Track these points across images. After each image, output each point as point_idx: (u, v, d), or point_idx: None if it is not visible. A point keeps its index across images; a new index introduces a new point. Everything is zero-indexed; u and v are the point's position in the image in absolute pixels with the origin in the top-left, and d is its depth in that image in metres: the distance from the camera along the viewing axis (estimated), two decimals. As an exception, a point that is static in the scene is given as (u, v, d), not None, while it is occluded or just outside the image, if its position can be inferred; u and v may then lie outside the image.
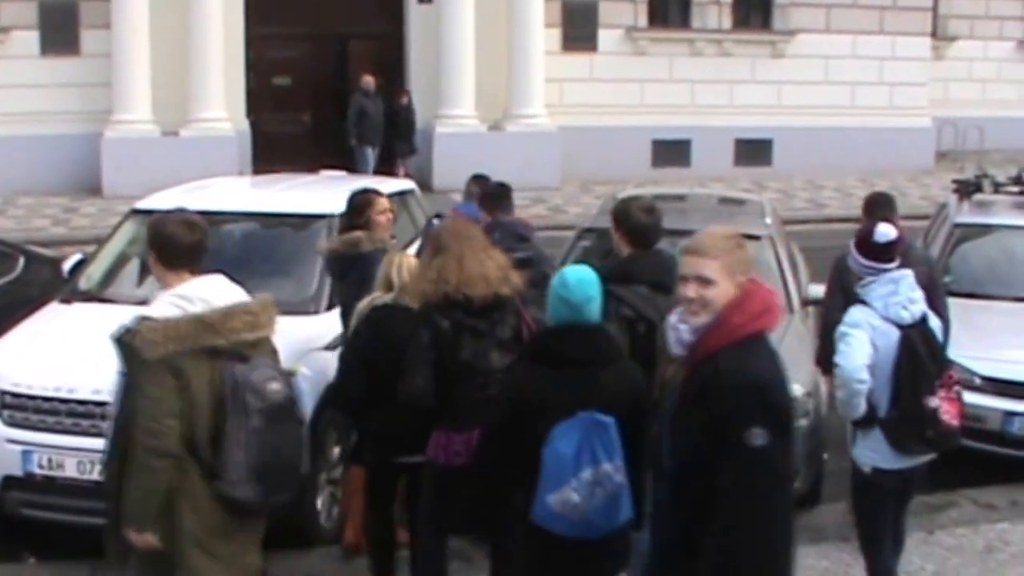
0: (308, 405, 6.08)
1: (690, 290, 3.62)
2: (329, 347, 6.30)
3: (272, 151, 18.13)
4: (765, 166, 20.88)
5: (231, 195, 8.63)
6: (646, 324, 4.80)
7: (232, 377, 4.05)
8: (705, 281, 3.61)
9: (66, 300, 7.15)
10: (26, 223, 15.94)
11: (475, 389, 4.88)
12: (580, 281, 4.14)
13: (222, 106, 17.92)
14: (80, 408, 5.88)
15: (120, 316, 4.25)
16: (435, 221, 8.31)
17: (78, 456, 5.83)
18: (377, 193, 6.51)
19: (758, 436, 3.36)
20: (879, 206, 6.78)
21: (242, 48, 18.64)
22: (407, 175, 16.92)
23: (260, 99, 19.16)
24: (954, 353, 7.42)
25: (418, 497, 5.23)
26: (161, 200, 7.39)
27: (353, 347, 5.31)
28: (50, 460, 5.83)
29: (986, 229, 9.25)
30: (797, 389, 6.61)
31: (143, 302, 4.50)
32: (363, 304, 5.41)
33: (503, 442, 4.08)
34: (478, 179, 8.45)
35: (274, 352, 4.30)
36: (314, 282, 6.90)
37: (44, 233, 14.99)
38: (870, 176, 19.96)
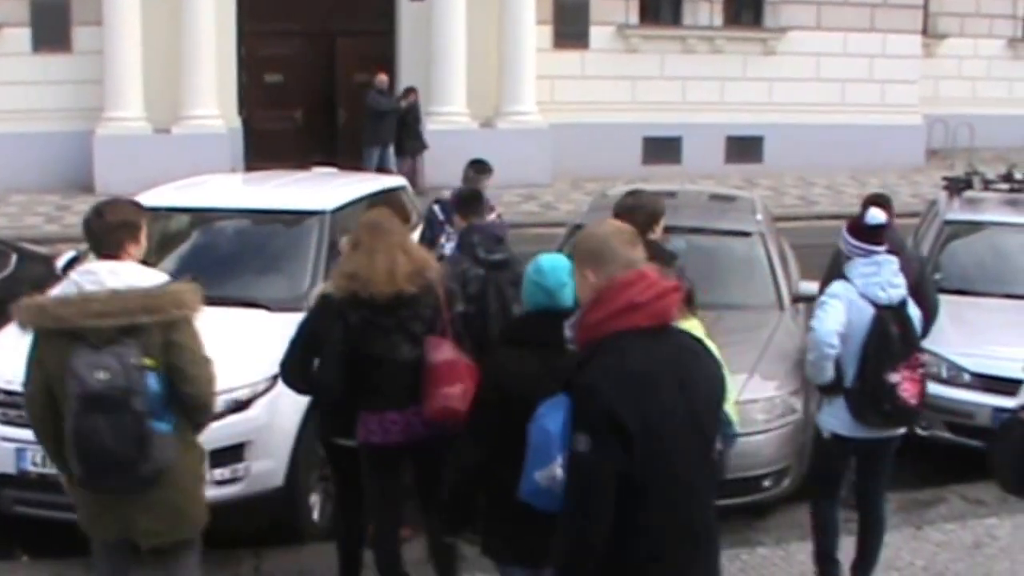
0: (294, 404, 6.11)
1: None
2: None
3: (264, 148, 18.12)
4: (756, 163, 20.91)
5: (223, 192, 8.63)
6: None
7: (68, 361, 4.20)
8: (577, 274, 3.64)
9: (59, 297, 7.14)
10: (18, 220, 15.94)
11: (391, 376, 5.04)
12: (554, 268, 4.25)
13: (214, 103, 17.91)
14: (73, 406, 5.87)
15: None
16: (435, 207, 8.38)
17: (71, 453, 5.82)
18: None
19: (580, 442, 3.30)
20: (881, 206, 6.86)
21: (234, 45, 18.64)
22: (409, 172, 17.04)
23: (252, 96, 19.14)
24: (944, 349, 7.55)
25: (424, 487, 5.28)
26: (153, 197, 7.39)
27: (298, 329, 5.32)
28: (43, 458, 5.80)
29: (976, 226, 9.30)
30: (783, 387, 6.69)
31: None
32: (317, 289, 5.57)
33: (487, 423, 4.13)
34: (476, 164, 8.69)
35: (166, 343, 4.30)
36: (306, 278, 6.91)
37: (37, 230, 15.00)
38: (861, 173, 20.04)
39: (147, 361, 4.23)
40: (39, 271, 8.48)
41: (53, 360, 4.29)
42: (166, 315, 4.29)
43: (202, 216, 7.73)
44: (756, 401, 6.55)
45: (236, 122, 18.52)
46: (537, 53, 19.26)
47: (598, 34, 20.44)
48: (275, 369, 6.01)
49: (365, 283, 4.99)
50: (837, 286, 5.47)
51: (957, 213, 9.33)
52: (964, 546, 6.33)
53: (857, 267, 5.47)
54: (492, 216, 8.12)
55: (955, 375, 7.63)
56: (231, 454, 5.87)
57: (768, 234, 8.36)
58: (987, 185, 9.81)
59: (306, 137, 19.16)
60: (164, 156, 15.86)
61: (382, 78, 18.30)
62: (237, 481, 5.93)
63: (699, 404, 3.45)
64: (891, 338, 5.34)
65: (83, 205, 16.57)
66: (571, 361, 3.49)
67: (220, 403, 5.71)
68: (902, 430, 5.62)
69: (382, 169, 16.86)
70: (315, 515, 6.38)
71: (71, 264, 7.64)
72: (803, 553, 6.01)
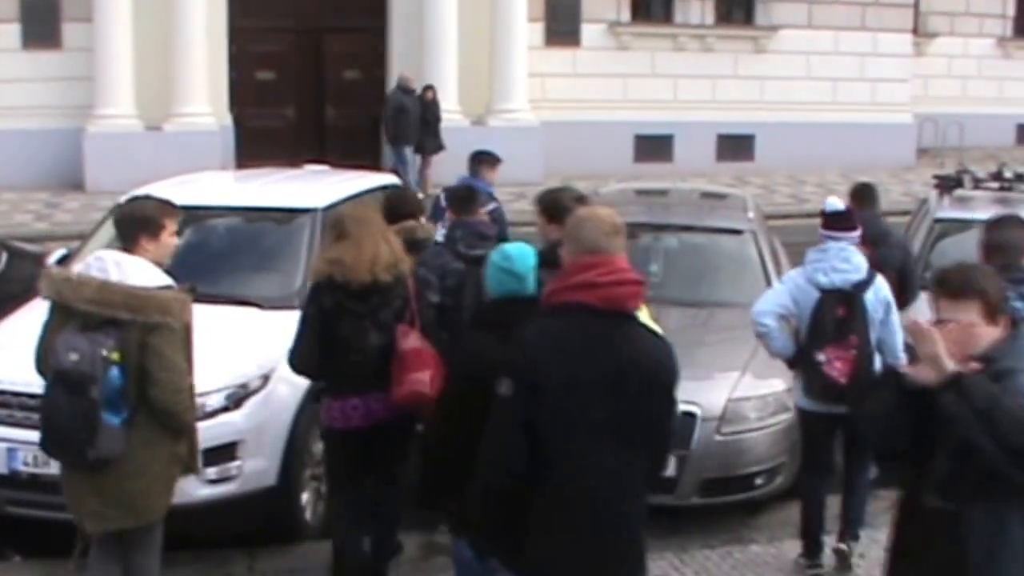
0: (292, 402, 6.13)
1: None
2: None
3: (255, 145, 18.06)
4: (747, 161, 20.95)
5: (215, 189, 8.60)
6: None
7: (58, 335, 4.45)
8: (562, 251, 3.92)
9: (50, 296, 7.13)
10: (8, 218, 15.86)
11: (355, 364, 5.28)
12: (522, 254, 4.45)
13: (205, 100, 17.87)
14: (64, 404, 5.86)
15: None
16: (441, 196, 8.40)
17: (63, 452, 5.81)
18: None
19: (504, 384, 3.67)
20: (863, 197, 7.49)
21: (225, 42, 18.60)
22: (423, 172, 17.03)
23: (243, 93, 19.08)
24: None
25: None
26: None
27: (303, 313, 5.51)
28: (35, 458, 5.78)
29: (966, 224, 9.26)
30: (778, 384, 6.70)
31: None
32: (309, 287, 5.73)
33: (458, 405, 4.24)
34: (480, 155, 9.07)
35: (143, 344, 4.43)
36: (298, 276, 6.89)
37: (26, 228, 14.94)
38: (851, 172, 20.00)
39: (114, 355, 4.37)
40: (29, 270, 8.43)
41: (53, 328, 4.54)
42: (146, 317, 4.43)
43: (193, 214, 7.69)
44: (748, 399, 6.57)
45: (227, 119, 18.49)
46: (528, 51, 19.26)
47: (589, 32, 20.46)
48: (267, 367, 6.04)
49: (345, 269, 5.23)
50: (790, 272, 5.91)
51: (947, 211, 9.33)
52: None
53: (809, 254, 5.85)
54: (491, 206, 8.26)
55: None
56: (223, 453, 5.84)
57: (760, 232, 8.38)
58: (977, 184, 9.82)
59: (297, 134, 19.14)
60: (155, 153, 15.80)
61: (406, 76, 17.94)
62: (230, 480, 5.91)
63: (631, 387, 3.63)
64: (823, 318, 5.65)
65: (73, 203, 16.60)
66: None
67: (212, 401, 5.78)
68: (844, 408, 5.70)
69: (395, 170, 16.59)
70: (308, 514, 6.37)
71: (61, 262, 7.62)
72: (795, 551, 6.02)
